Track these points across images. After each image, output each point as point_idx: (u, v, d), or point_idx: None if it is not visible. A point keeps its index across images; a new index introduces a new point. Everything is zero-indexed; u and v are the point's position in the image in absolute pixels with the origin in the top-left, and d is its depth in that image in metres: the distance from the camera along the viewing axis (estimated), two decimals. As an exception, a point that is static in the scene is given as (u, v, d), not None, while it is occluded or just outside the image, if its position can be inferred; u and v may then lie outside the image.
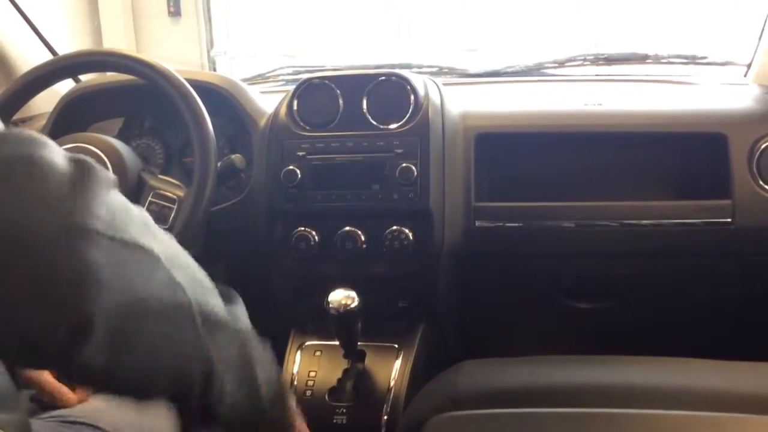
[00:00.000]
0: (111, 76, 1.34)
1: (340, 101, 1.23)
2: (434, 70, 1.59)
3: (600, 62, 1.58)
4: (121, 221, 0.53)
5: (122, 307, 0.52)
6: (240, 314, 0.65)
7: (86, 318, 0.50)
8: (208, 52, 3.10)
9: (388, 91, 1.22)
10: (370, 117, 1.22)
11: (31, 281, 0.49)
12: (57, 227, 0.49)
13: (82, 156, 0.55)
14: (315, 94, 1.24)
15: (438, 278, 1.26)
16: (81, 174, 0.52)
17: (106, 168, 1.10)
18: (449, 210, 1.21)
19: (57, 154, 0.53)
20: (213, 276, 0.62)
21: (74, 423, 0.82)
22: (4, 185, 0.49)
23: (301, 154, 1.22)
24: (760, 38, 1.43)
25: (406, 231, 1.19)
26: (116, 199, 0.55)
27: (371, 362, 1.21)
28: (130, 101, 1.35)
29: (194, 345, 0.58)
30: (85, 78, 1.42)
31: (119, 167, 1.11)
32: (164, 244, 0.57)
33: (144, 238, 0.55)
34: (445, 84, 1.31)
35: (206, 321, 0.58)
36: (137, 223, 0.55)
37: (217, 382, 0.60)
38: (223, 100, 1.28)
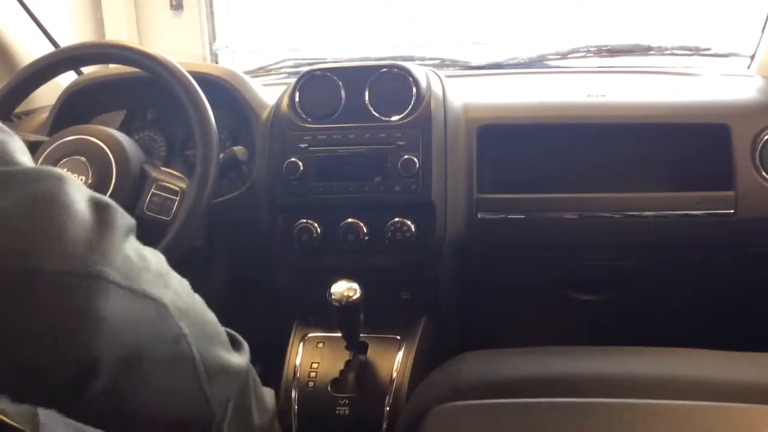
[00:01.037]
0: (113, 69, 1.34)
1: (342, 93, 1.23)
2: (436, 62, 1.59)
3: (603, 54, 1.57)
4: (136, 271, 0.55)
5: (127, 356, 0.54)
6: (242, 359, 0.69)
7: (92, 362, 0.52)
8: (211, 45, 3.10)
9: (390, 82, 1.22)
10: (372, 109, 1.22)
11: (41, 319, 0.50)
12: (73, 273, 0.51)
13: (104, 198, 0.56)
14: (317, 86, 1.24)
15: (440, 270, 1.26)
16: (102, 218, 0.54)
17: (109, 160, 1.10)
18: (451, 202, 1.21)
19: (80, 192, 0.54)
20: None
21: None
22: (30, 223, 0.50)
23: (303, 146, 1.22)
24: (763, 30, 1.42)
25: (409, 223, 1.19)
26: (133, 246, 0.57)
27: (373, 354, 1.21)
28: (133, 94, 1.35)
29: (195, 394, 0.61)
30: (87, 70, 1.42)
31: (122, 159, 1.11)
32: (176, 293, 0.59)
33: (156, 288, 0.57)
34: (447, 76, 1.30)
35: (208, 371, 0.61)
36: (151, 271, 0.57)
37: (215, 424, 0.64)
38: (225, 92, 1.28)
